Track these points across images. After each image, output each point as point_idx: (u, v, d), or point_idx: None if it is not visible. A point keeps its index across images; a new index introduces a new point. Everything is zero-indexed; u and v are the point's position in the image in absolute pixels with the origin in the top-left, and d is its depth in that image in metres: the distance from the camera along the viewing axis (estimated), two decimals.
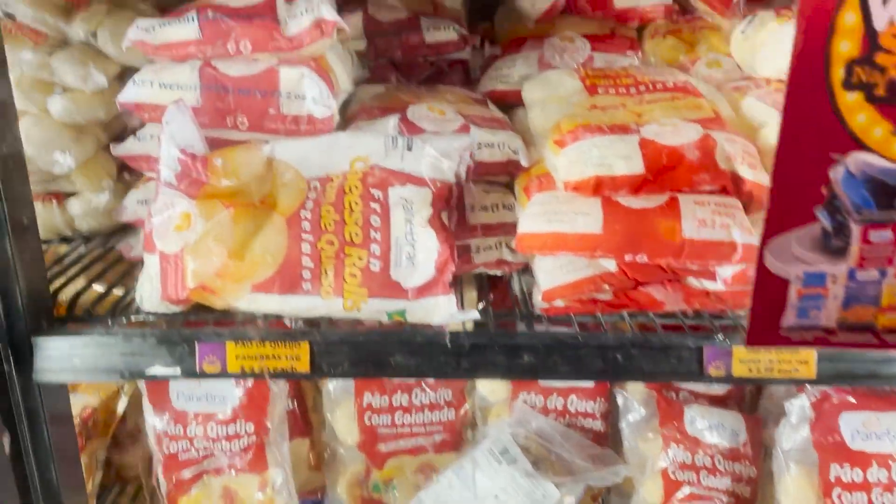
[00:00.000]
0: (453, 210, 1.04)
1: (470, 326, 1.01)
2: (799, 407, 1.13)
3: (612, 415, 1.28)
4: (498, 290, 1.19)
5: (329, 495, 1.35)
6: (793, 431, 1.13)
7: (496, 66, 1.37)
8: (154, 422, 1.21)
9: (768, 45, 1.18)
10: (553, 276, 1.01)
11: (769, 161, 1.04)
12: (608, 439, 1.28)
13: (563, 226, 0.97)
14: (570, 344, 0.92)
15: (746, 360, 0.92)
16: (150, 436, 1.22)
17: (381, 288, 0.95)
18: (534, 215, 1.00)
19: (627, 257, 0.97)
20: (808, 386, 1.14)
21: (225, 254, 0.95)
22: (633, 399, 1.23)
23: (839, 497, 1.10)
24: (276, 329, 0.94)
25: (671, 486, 1.19)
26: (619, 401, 1.25)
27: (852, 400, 1.12)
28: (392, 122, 1.09)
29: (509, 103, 1.31)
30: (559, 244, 0.97)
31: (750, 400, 1.30)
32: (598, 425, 1.27)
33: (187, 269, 0.95)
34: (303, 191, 0.99)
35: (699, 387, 1.26)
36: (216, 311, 0.99)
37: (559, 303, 1.02)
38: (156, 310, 1.00)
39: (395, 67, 1.42)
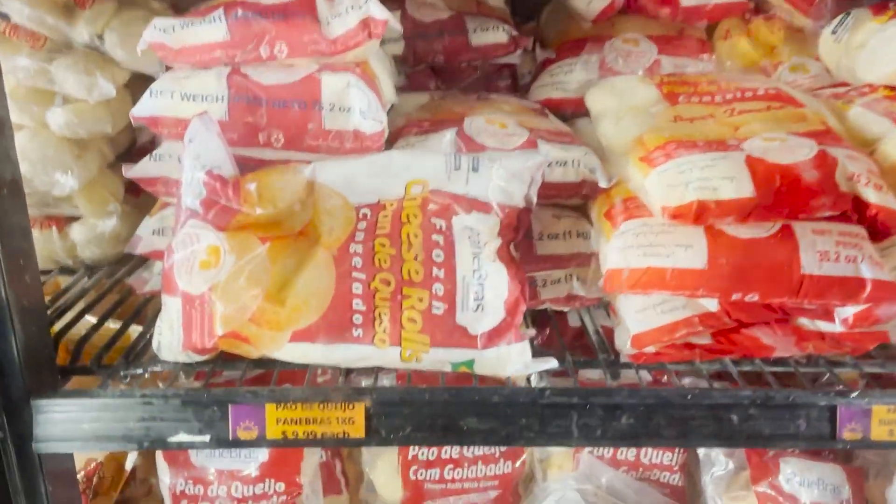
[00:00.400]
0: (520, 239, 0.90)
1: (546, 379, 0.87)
2: None
3: (691, 466, 1.13)
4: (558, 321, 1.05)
5: None
6: None
7: (550, 71, 1.22)
8: (170, 481, 1.06)
9: (870, 48, 1.03)
10: (644, 317, 0.86)
11: (892, 180, 0.92)
12: (687, 496, 1.13)
13: (661, 260, 0.82)
14: (676, 403, 0.77)
15: (888, 421, 0.77)
16: (165, 496, 1.08)
17: (445, 335, 0.81)
18: (624, 248, 0.85)
19: (735, 296, 0.83)
20: None
21: (261, 296, 0.80)
22: (718, 450, 1.08)
23: None
24: (325, 387, 0.78)
25: None
26: (701, 452, 1.10)
27: None
28: (448, 137, 0.95)
29: (565, 113, 1.17)
30: (656, 282, 0.83)
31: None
32: (675, 479, 1.12)
33: (215, 314, 0.80)
34: (351, 220, 0.85)
35: None
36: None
37: (650, 348, 0.87)
38: (176, 359, 0.85)
39: (435, 73, 1.28)
